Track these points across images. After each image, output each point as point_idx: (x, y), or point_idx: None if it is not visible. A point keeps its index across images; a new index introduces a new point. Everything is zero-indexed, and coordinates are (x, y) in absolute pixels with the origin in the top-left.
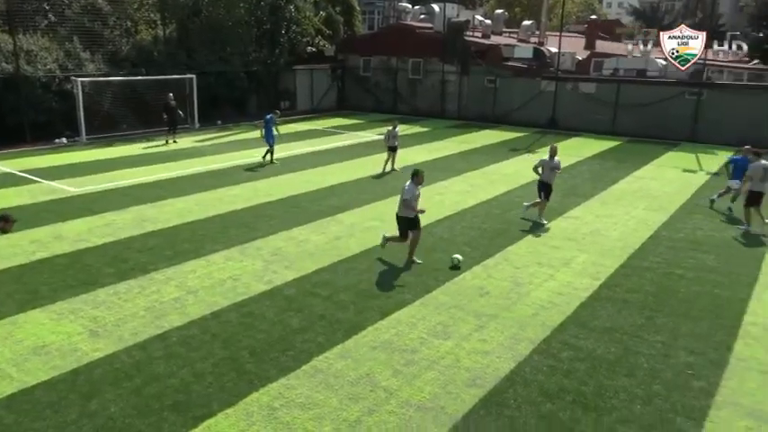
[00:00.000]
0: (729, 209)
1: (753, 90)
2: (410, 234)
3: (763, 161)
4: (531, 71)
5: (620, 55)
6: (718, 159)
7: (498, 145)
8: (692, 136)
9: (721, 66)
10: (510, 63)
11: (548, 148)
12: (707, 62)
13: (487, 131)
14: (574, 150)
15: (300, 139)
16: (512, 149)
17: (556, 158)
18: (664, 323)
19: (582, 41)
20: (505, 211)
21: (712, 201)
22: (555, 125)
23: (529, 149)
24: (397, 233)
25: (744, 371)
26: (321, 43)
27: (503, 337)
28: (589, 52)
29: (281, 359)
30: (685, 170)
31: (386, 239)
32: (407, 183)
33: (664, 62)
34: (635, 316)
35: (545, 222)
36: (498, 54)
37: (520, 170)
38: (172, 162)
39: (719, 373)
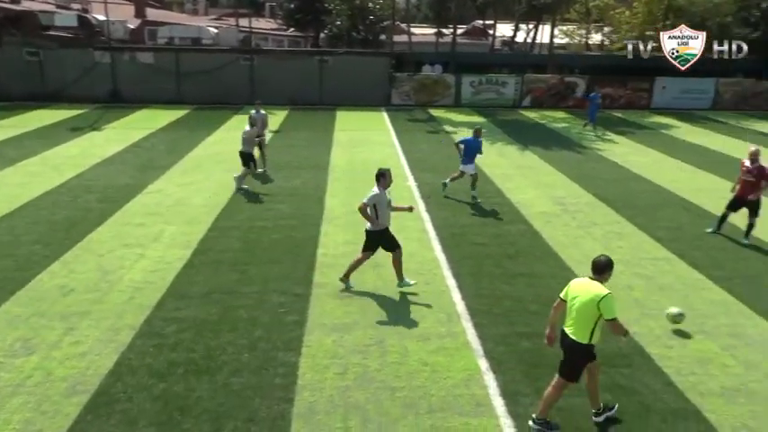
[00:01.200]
0: (473, 197)
1: (294, 55)
2: (392, 254)
3: (262, 110)
4: (79, 41)
5: (174, 23)
6: (277, 119)
7: (56, 125)
8: (252, 98)
9: (266, 33)
10: (52, 33)
11: (114, 124)
12: (253, 30)
13: (40, 111)
14: (143, 123)
15: None
16: (73, 129)
17: (247, 128)
18: (255, 273)
19: (131, 9)
20: (77, 197)
21: (444, 185)
22: (119, 98)
23: (94, 127)
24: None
25: (323, 296)
26: None
27: (99, 332)
28: (140, 20)
29: None
30: None
31: (345, 275)
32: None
33: (215, 30)
34: (229, 274)
35: (246, 187)
36: (35, 22)
37: (87, 150)
38: None
39: (305, 304)
